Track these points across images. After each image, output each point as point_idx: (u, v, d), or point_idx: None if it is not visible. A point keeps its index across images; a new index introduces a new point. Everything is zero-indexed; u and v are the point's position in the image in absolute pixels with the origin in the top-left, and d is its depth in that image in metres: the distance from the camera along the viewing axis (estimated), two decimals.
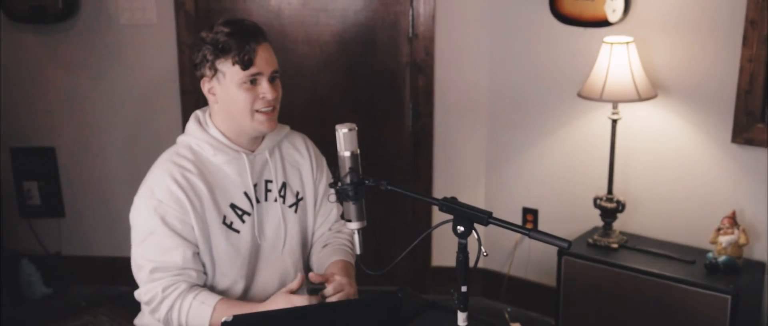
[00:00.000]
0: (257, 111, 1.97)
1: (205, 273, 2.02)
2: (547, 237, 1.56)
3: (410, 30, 3.54)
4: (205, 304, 1.91)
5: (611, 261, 3.01)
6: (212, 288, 2.04)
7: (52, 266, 3.84)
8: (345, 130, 1.73)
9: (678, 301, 2.85)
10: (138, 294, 2.00)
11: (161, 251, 1.94)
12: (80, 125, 3.77)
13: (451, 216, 1.65)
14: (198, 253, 1.99)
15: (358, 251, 1.82)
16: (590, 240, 3.14)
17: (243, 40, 1.93)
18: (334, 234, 2.23)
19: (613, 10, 3.05)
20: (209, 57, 1.95)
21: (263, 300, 1.98)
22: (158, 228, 1.94)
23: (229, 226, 2.02)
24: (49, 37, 3.65)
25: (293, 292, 1.92)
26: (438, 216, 3.62)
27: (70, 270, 3.89)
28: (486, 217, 1.60)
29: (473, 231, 1.63)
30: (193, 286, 1.96)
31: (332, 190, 1.78)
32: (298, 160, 2.18)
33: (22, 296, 3.72)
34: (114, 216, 3.77)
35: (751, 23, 2.84)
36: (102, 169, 3.81)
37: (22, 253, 3.80)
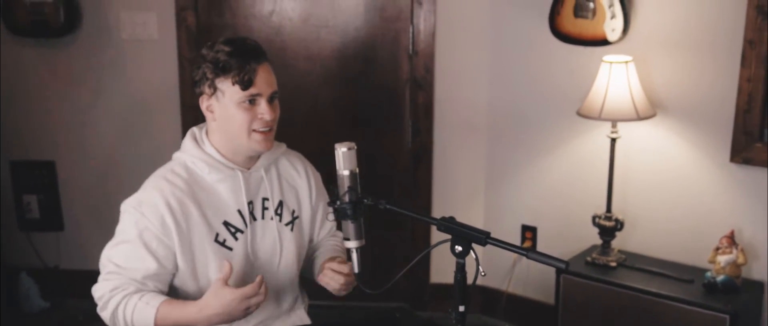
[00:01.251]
0: (254, 130, 1.98)
1: (164, 293, 2.01)
2: (545, 258, 1.57)
3: (410, 47, 3.56)
4: (149, 305, 1.90)
5: (609, 280, 3.01)
6: None
7: (51, 280, 3.84)
8: (344, 149, 1.74)
9: (676, 321, 2.85)
10: (92, 291, 2.01)
11: (127, 260, 1.96)
12: (80, 139, 3.77)
13: (449, 236, 1.65)
14: (166, 275, 1.99)
15: (356, 270, 1.82)
16: (589, 259, 3.14)
17: (243, 59, 1.93)
18: (328, 237, 2.26)
19: (613, 30, 3.06)
20: (209, 75, 1.96)
21: (257, 319, 1.98)
22: (133, 239, 1.95)
23: (222, 244, 2.02)
24: (51, 51, 3.66)
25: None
26: (437, 233, 3.60)
27: (69, 283, 3.88)
28: (484, 238, 1.61)
29: (471, 251, 1.63)
30: (141, 290, 1.96)
31: (331, 209, 1.78)
32: (296, 179, 2.18)
33: (21, 309, 3.71)
34: (112, 230, 3.72)
35: (749, 43, 2.86)
36: (101, 183, 3.82)
37: (21, 267, 3.80)
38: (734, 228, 2.95)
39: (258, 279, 1.88)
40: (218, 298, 1.85)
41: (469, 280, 1.66)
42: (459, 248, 1.63)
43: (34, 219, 3.86)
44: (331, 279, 2.03)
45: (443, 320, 1.99)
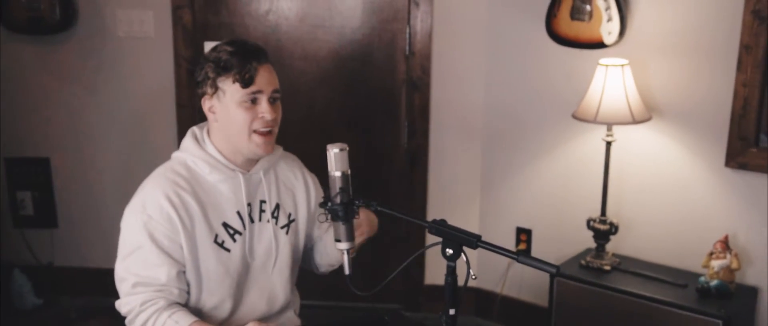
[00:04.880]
0: (255, 131, 1.97)
1: (188, 292, 2.02)
2: (536, 262, 1.56)
3: (407, 48, 3.55)
4: (178, 324, 1.90)
5: (603, 284, 3.00)
6: (199, 308, 2.04)
7: (44, 277, 3.83)
8: (336, 150, 1.74)
9: (669, 325, 2.85)
10: (118, 305, 2.00)
11: (146, 266, 1.95)
12: (75, 136, 3.77)
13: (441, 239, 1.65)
14: (183, 272, 1.99)
15: (346, 272, 1.82)
16: (583, 262, 3.14)
17: (245, 59, 1.94)
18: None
19: (609, 33, 3.06)
20: (211, 74, 1.96)
21: (249, 319, 1.97)
22: (146, 244, 1.94)
23: (221, 245, 2.02)
24: (47, 47, 3.65)
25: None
26: (431, 236, 3.61)
27: (63, 281, 3.88)
28: (475, 241, 1.60)
29: (462, 254, 1.63)
30: (172, 304, 1.96)
31: (322, 210, 1.78)
32: (293, 182, 2.18)
33: (14, 307, 3.71)
34: (107, 227, 3.76)
35: (745, 48, 2.85)
36: (96, 181, 3.81)
37: (15, 263, 3.79)
38: (728, 232, 2.95)
39: None
40: None
41: (460, 283, 1.65)
42: (450, 251, 1.63)
43: (28, 216, 3.85)
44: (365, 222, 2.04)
45: (434, 322, 1.99)
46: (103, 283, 3.80)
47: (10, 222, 3.86)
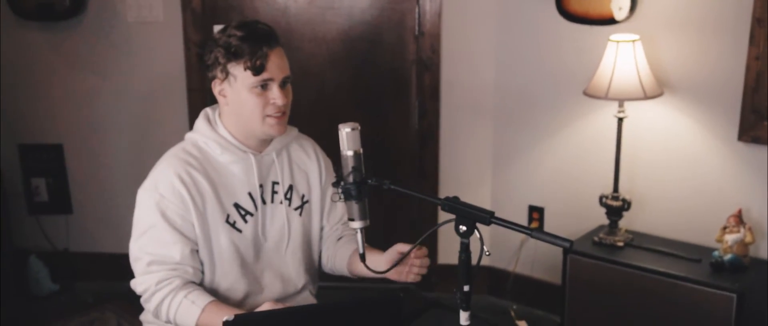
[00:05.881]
0: (268, 116, 1.97)
1: (202, 271, 2.03)
2: (549, 237, 1.56)
3: (417, 28, 3.54)
4: (195, 304, 1.91)
5: (617, 260, 3.01)
6: (214, 289, 2.05)
7: (60, 262, 3.87)
8: (348, 129, 1.74)
9: (683, 300, 2.85)
10: (133, 285, 2.02)
11: (160, 245, 1.96)
12: (87, 122, 3.79)
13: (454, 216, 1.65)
14: (197, 251, 2.00)
15: (360, 250, 1.83)
16: (596, 239, 3.14)
17: (255, 44, 1.92)
18: (339, 225, 2.25)
19: (620, 8, 3.04)
20: (221, 60, 1.95)
21: (264, 301, 1.98)
22: (159, 222, 1.95)
23: (232, 225, 2.03)
24: (57, 34, 3.66)
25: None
26: (444, 214, 3.62)
27: (78, 266, 3.91)
28: (488, 217, 1.60)
29: (475, 231, 1.63)
30: (187, 283, 1.97)
31: (335, 189, 1.78)
32: (307, 163, 2.18)
33: (30, 292, 3.75)
34: (120, 212, 3.78)
35: (757, 21, 2.83)
36: (108, 166, 3.83)
37: (30, 250, 3.83)
38: (742, 206, 2.94)
39: None
40: None
41: (474, 260, 1.65)
42: (463, 228, 1.63)
43: (43, 203, 3.88)
44: (416, 267, 1.99)
45: (448, 300, 1.99)
46: (118, 268, 3.84)
47: (25, 209, 3.89)
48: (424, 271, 2.00)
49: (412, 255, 1.95)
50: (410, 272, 1.98)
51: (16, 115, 3.78)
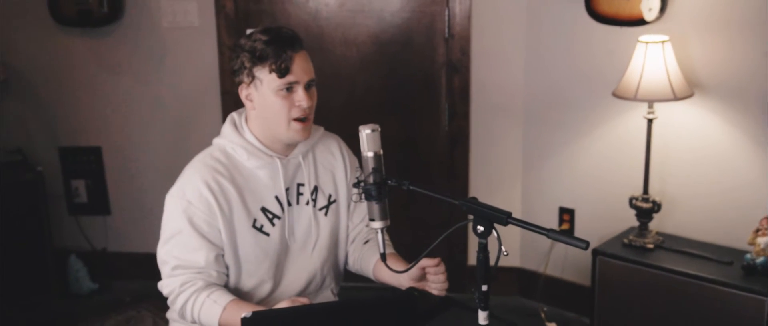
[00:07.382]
0: (294, 119, 2.00)
1: (226, 275, 2.07)
2: (565, 238, 1.57)
3: (446, 30, 3.56)
4: (216, 303, 1.96)
5: (646, 262, 2.99)
6: (239, 289, 2.09)
7: (98, 262, 3.97)
8: (368, 131, 1.77)
9: (714, 303, 2.82)
10: (160, 287, 2.08)
11: (186, 250, 2.01)
12: (125, 125, 3.88)
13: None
14: (222, 256, 2.05)
15: (381, 250, 1.85)
16: (626, 241, 3.12)
17: (280, 48, 1.96)
18: (362, 225, 2.27)
19: (650, 9, 3.02)
20: (247, 64, 1.99)
21: (287, 297, 2.02)
22: (186, 228, 2.00)
23: (260, 229, 2.06)
24: (95, 40, 3.76)
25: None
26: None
27: (115, 266, 4.01)
28: (505, 217, 1.62)
29: (493, 231, 1.65)
30: (210, 285, 2.01)
31: (356, 190, 1.81)
32: (332, 163, 2.21)
33: (70, 291, 3.85)
34: (157, 213, 3.80)
35: None
36: (145, 168, 3.92)
37: (70, 249, 3.93)
38: None
39: None
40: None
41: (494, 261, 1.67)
42: (481, 228, 1.65)
43: (83, 204, 3.99)
44: (435, 281, 2.01)
45: (465, 299, 2.01)
46: (153, 268, 3.89)
47: (66, 210, 4.00)
48: (444, 285, 2.01)
49: (430, 269, 1.97)
50: (431, 287, 2.00)
51: (58, 119, 3.89)
